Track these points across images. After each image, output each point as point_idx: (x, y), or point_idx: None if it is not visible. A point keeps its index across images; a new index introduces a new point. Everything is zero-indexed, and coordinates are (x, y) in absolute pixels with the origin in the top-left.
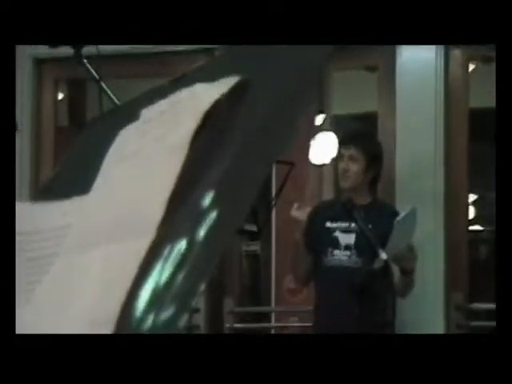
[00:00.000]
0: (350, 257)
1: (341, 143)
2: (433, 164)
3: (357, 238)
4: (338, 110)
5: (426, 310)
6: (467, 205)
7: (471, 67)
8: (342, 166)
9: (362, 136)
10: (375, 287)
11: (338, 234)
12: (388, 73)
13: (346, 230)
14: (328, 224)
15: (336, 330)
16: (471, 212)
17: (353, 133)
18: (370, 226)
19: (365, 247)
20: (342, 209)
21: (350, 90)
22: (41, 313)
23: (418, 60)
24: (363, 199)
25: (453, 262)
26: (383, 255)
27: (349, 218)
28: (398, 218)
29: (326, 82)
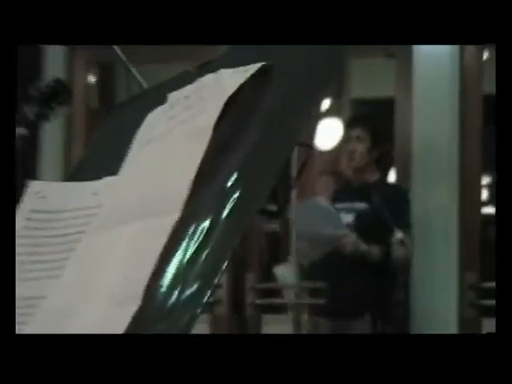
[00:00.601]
0: None
1: (347, 126)
2: (447, 146)
3: (356, 219)
4: (358, 94)
5: (439, 289)
6: (480, 186)
7: (485, 55)
8: (349, 147)
9: (366, 118)
10: (386, 266)
11: (341, 214)
12: (405, 59)
13: (348, 210)
14: (336, 205)
15: (347, 309)
16: (485, 194)
17: (358, 115)
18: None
19: (365, 227)
20: (346, 189)
21: (369, 76)
22: (69, 289)
23: (434, 50)
24: (370, 177)
25: (466, 243)
26: (399, 234)
27: (352, 198)
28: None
29: (345, 67)
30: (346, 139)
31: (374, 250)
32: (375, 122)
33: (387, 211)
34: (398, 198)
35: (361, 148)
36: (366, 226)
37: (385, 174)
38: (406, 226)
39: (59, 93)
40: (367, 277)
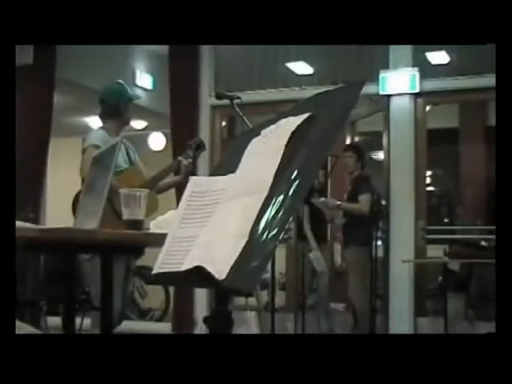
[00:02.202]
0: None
1: (344, 150)
2: (408, 156)
3: (347, 195)
4: (361, 128)
5: (403, 230)
6: (425, 176)
7: (428, 108)
8: (345, 161)
9: (353, 145)
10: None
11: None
12: (387, 113)
13: (346, 191)
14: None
15: (346, 239)
16: (428, 180)
17: (349, 144)
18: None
19: (348, 197)
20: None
21: (367, 120)
22: (212, 231)
23: (401, 105)
24: (356, 174)
25: (418, 205)
26: (360, 197)
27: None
28: None
29: (353, 121)
30: (343, 157)
31: (344, 204)
32: (359, 147)
33: (359, 188)
34: (365, 181)
35: (351, 161)
36: (349, 197)
37: (364, 171)
38: (365, 194)
39: (201, 147)
40: (352, 221)
